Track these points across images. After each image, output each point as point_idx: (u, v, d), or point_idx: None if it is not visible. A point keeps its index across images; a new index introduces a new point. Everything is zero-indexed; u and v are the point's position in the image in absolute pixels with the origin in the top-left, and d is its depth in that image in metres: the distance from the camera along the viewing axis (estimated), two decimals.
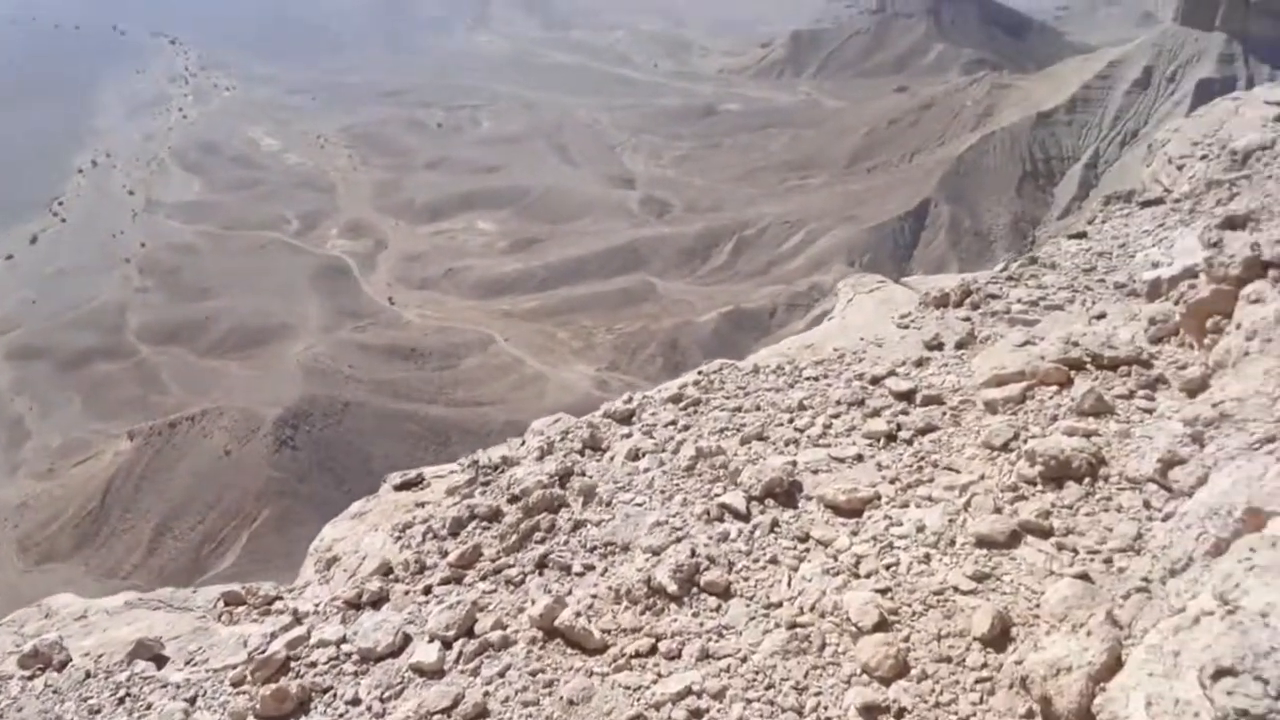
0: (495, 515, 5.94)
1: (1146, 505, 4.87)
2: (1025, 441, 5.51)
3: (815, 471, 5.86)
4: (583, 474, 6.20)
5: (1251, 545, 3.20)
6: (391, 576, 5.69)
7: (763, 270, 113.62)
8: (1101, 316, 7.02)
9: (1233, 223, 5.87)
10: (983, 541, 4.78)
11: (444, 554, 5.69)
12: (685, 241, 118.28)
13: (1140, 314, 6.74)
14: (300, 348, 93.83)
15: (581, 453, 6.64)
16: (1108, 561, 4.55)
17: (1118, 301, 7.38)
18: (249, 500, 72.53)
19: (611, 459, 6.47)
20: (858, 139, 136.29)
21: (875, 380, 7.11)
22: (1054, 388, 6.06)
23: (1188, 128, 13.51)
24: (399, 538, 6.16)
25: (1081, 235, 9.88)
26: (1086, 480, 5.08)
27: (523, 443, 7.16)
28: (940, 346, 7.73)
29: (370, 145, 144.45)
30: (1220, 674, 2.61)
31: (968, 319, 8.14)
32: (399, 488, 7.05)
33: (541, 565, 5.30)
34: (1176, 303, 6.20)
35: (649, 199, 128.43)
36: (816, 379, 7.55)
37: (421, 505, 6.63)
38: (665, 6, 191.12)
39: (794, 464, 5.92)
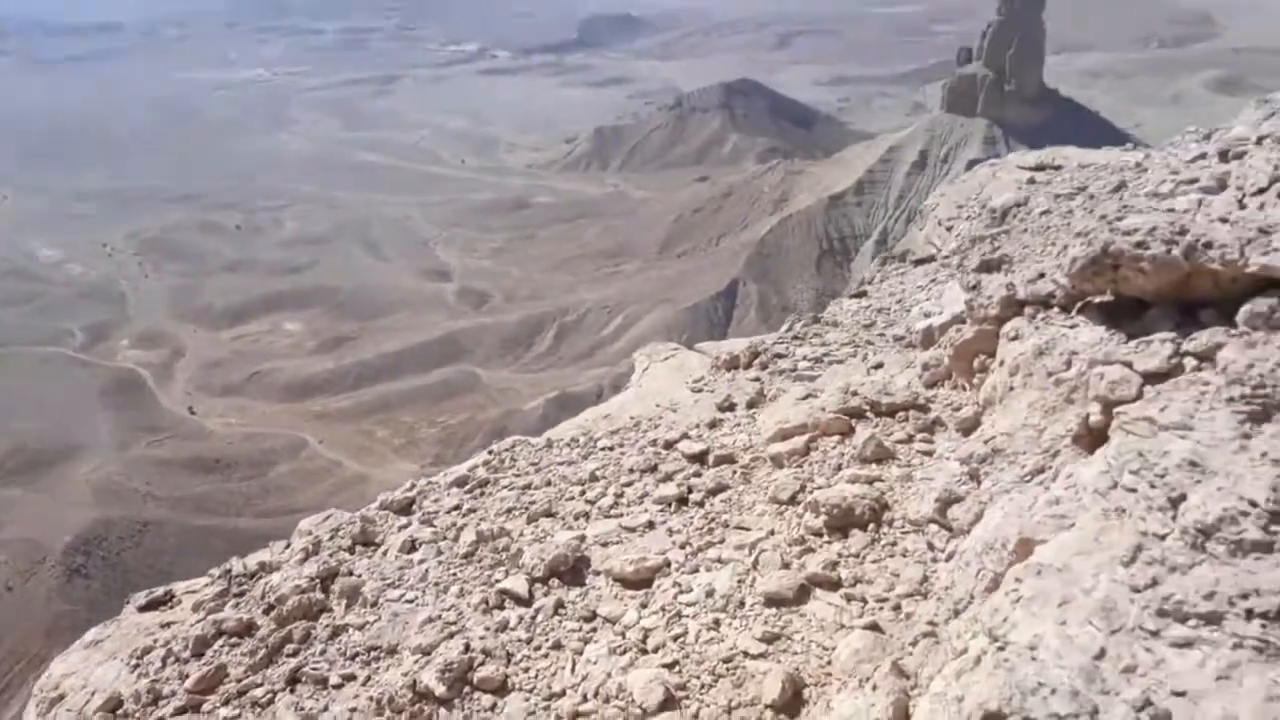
0: (248, 629, 5.20)
1: (930, 547, 4.78)
2: (811, 493, 5.37)
3: (605, 544, 5.49)
4: (349, 573, 5.57)
5: (1018, 576, 3.06)
6: (120, 712, 4.84)
7: (586, 354, 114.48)
8: (879, 366, 7.11)
9: (989, 266, 6.08)
10: (772, 600, 4.53)
11: (184, 679, 4.90)
12: (507, 330, 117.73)
13: (915, 361, 6.86)
14: (90, 468, 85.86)
15: (351, 550, 5.99)
16: (896, 608, 4.39)
17: (896, 352, 7.54)
18: (36, 639, 64.67)
19: (384, 554, 5.86)
20: (667, 226, 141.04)
21: (669, 444, 6.89)
22: (837, 437, 6.00)
23: (953, 193, 14.48)
24: (136, 665, 5.29)
25: (862, 294, 10.21)
26: (871, 527, 4.96)
27: (287, 545, 6.43)
28: (732, 407, 7.63)
29: (163, 251, 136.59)
30: (988, 719, 2.38)
31: (757, 379, 8.12)
32: (144, 608, 6.14)
33: (293, 681, 4.62)
34: (946, 348, 6.33)
35: (466, 290, 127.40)
36: (611, 448, 7.25)
37: (167, 626, 5.77)
38: (468, 106, 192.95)
39: (582, 539, 5.53)
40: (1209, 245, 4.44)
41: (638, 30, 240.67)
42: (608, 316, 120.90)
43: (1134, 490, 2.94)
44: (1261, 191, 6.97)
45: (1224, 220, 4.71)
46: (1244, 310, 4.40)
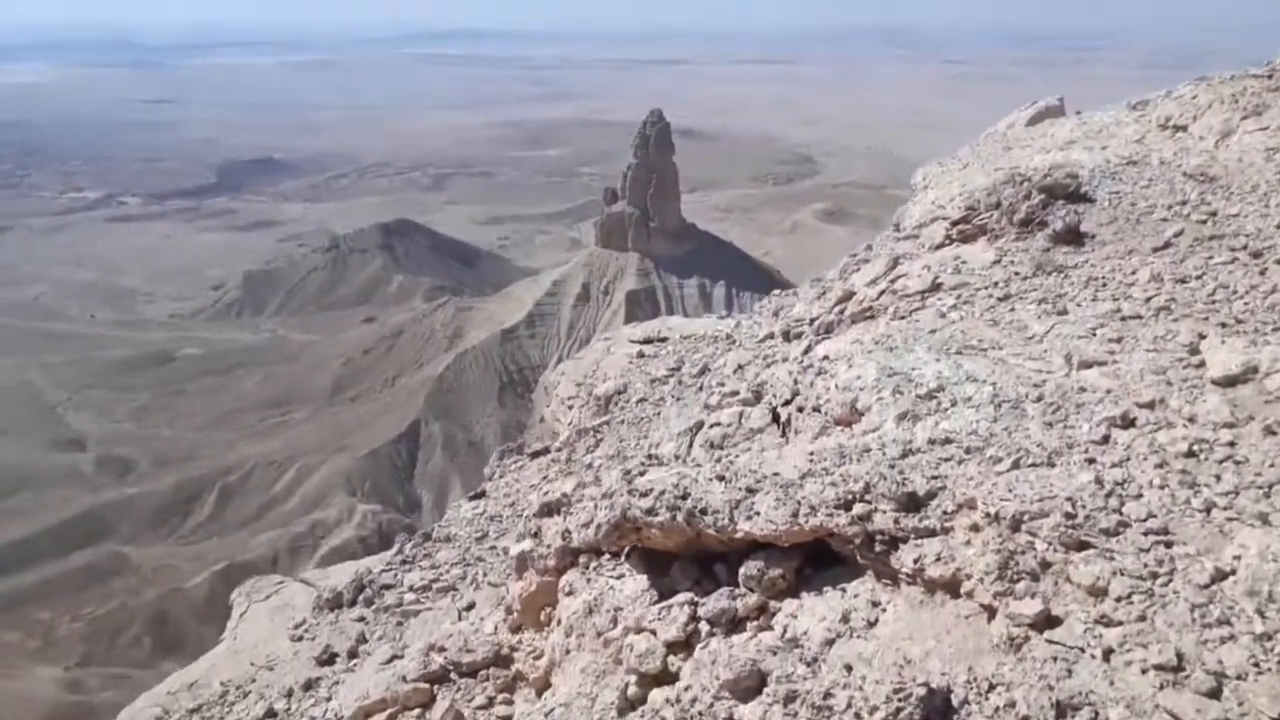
0: None
1: None
2: None
3: None
4: None
5: None
6: None
7: (256, 516, 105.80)
8: (470, 607, 7.04)
9: (549, 509, 6.26)
10: None
11: None
12: (158, 500, 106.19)
13: (507, 597, 6.87)
14: None
15: None
16: None
17: (486, 588, 7.52)
18: None
19: None
20: (336, 370, 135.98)
21: None
22: (418, 711, 5.78)
23: (571, 370, 15.17)
24: None
25: (481, 495, 10.22)
26: None
27: None
28: (332, 660, 7.17)
29: None
30: None
31: (361, 618, 7.73)
32: None
33: None
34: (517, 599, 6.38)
35: (106, 459, 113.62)
36: None
37: None
38: (95, 257, 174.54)
39: None
40: (704, 511, 4.85)
41: (282, 173, 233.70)
42: (277, 472, 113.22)
43: None
44: (787, 403, 7.92)
45: (721, 479, 5.19)
46: (741, 572, 4.84)
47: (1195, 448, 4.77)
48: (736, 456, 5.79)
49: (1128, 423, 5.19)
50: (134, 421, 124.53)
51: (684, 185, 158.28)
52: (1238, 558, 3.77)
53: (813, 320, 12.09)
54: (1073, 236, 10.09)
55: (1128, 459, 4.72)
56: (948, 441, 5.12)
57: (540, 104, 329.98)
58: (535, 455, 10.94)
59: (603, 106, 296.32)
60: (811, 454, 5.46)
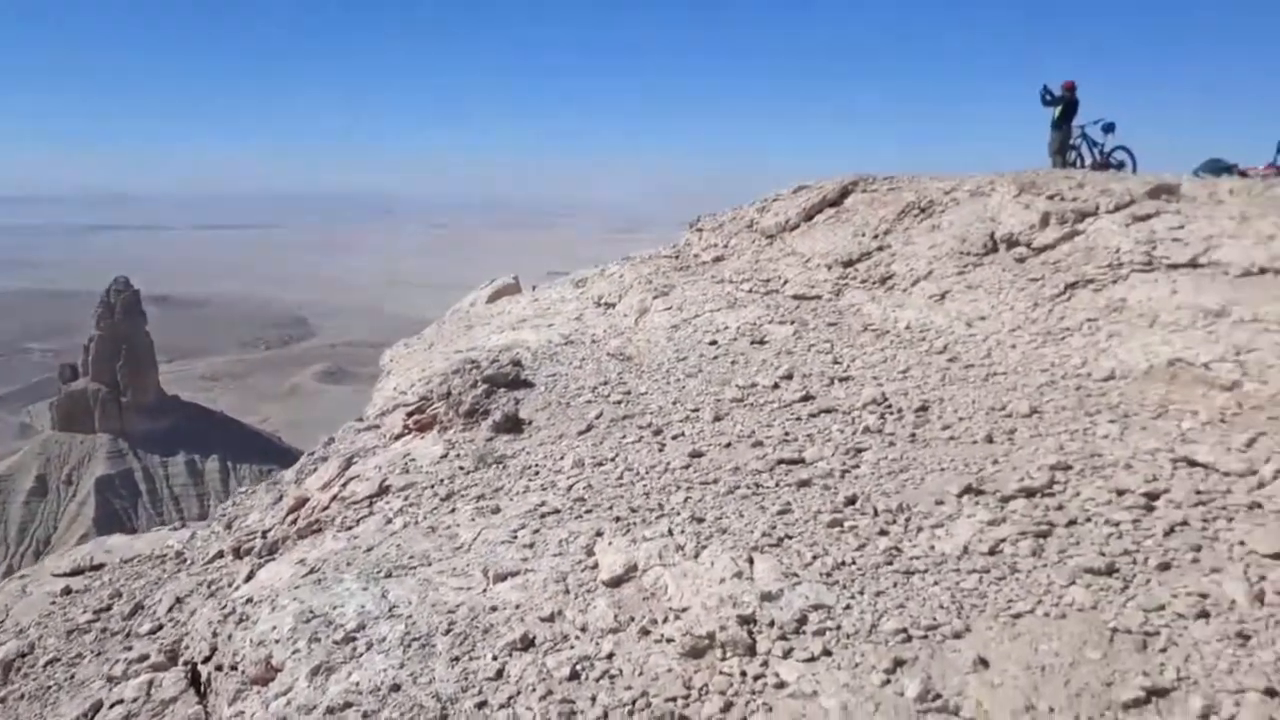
0: None
1: None
2: None
3: None
4: None
5: None
6: None
7: None
8: None
9: None
10: None
11: None
12: None
13: None
14: None
15: None
16: None
17: None
18: None
19: None
20: None
21: None
22: None
23: None
24: None
25: None
26: None
27: None
28: None
29: None
30: None
31: None
32: None
33: None
34: None
35: None
36: None
37: None
38: None
39: None
40: None
41: None
42: None
43: None
44: (207, 660, 7.12)
45: None
46: None
47: (579, 667, 5.02)
48: None
49: (527, 644, 5.35)
50: None
51: (161, 355, 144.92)
52: None
53: (265, 533, 11.29)
54: (513, 425, 10.72)
55: (517, 694, 4.82)
56: (347, 706, 4.84)
57: None
58: None
59: (53, 276, 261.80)
60: None
